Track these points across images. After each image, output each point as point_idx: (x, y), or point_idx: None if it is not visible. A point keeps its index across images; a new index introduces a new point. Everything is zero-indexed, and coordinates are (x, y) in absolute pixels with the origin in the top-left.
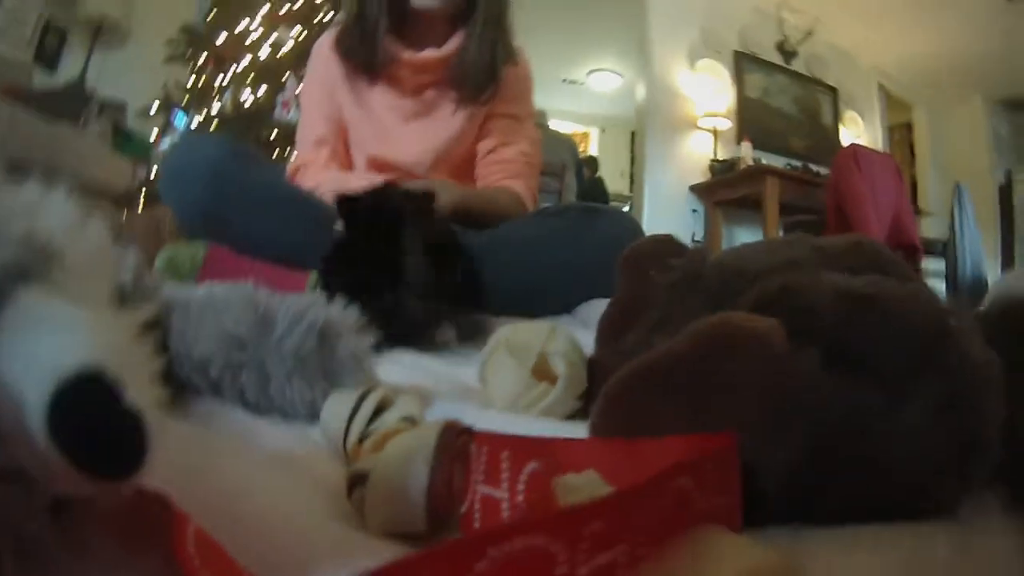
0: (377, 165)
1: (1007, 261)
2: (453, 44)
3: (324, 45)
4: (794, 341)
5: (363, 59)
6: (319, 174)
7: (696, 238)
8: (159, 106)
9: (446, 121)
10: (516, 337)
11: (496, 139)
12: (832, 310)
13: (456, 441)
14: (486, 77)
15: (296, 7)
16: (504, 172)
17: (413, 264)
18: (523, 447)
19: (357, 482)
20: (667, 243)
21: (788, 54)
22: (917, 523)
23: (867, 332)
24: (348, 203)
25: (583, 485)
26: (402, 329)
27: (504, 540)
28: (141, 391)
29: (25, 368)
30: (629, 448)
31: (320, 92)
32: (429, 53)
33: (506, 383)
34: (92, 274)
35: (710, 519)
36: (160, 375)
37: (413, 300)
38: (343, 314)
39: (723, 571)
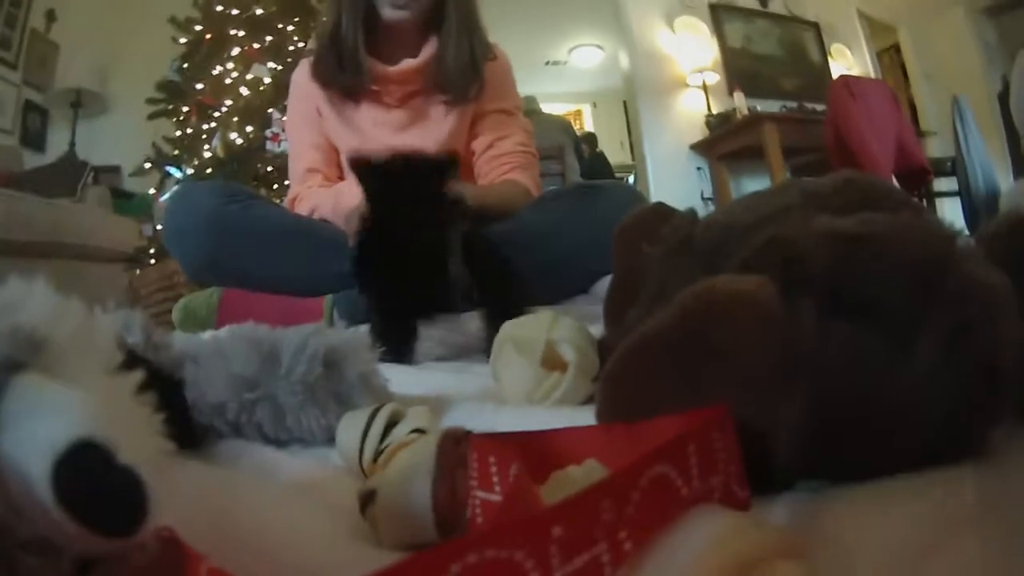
0: None
1: (1018, 169)
2: (429, 50)
3: (301, 76)
4: (788, 294)
5: (345, 82)
6: (313, 198)
7: (705, 195)
8: (152, 163)
9: (438, 124)
10: (520, 332)
11: (491, 135)
12: (824, 256)
13: (456, 449)
14: (470, 75)
15: (267, 43)
16: (507, 166)
17: (453, 234)
18: (507, 448)
19: (368, 500)
20: (656, 212)
21: None
22: (945, 470)
23: (863, 273)
24: (366, 168)
25: (581, 477)
26: (448, 302)
27: (464, 554)
28: (138, 448)
29: (28, 450)
30: (629, 432)
31: (303, 123)
32: (407, 63)
33: (517, 378)
34: (79, 351)
35: (704, 501)
36: (173, 426)
37: (456, 269)
38: (345, 337)
39: (719, 555)
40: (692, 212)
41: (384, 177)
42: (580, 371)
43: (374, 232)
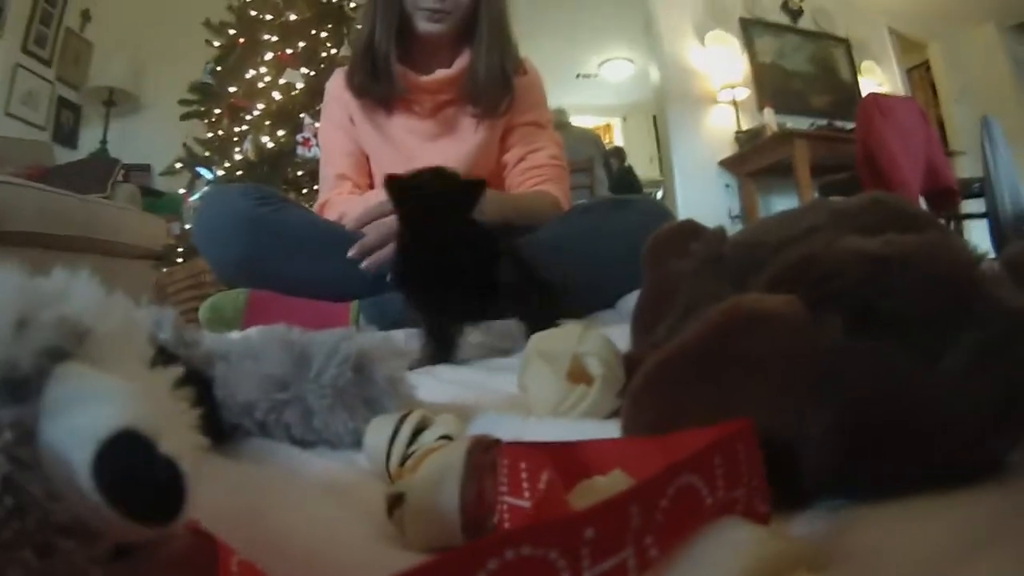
0: None
1: None
2: (462, 62)
3: (335, 85)
4: (817, 312)
5: (379, 91)
6: (342, 204)
7: (733, 213)
8: (182, 163)
9: (469, 136)
10: (547, 344)
11: (523, 148)
12: (852, 275)
13: (485, 456)
14: (501, 88)
15: (300, 48)
16: (538, 178)
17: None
18: (539, 456)
19: (396, 503)
20: (686, 228)
21: (794, 12)
22: (965, 489)
23: (890, 292)
24: (399, 184)
25: (606, 487)
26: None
27: (501, 550)
28: (177, 440)
29: (70, 437)
30: (656, 444)
31: (336, 131)
32: (440, 74)
33: (544, 390)
34: (121, 344)
35: (727, 512)
36: (202, 423)
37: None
38: (375, 342)
39: (739, 564)
40: (721, 230)
41: (417, 193)
42: (606, 385)
43: (412, 249)
